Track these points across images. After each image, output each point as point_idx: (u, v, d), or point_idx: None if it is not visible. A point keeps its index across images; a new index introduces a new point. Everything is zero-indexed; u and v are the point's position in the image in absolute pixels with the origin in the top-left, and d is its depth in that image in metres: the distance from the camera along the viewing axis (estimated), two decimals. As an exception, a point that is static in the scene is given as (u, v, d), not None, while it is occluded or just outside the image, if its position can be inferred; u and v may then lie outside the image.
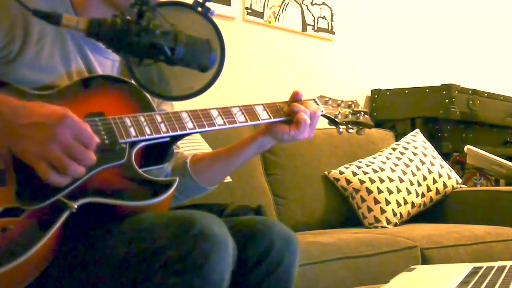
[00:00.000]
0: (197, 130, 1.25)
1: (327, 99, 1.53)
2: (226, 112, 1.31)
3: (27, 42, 1.20)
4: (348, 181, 2.73)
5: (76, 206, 1.06)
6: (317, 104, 1.47)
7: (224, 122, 1.30)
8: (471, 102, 3.46)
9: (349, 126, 1.56)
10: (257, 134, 1.43)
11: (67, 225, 1.08)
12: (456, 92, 3.36)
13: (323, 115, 1.48)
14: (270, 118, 1.38)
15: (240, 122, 1.32)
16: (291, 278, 1.26)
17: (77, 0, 1.29)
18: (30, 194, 1.06)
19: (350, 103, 1.58)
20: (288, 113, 1.39)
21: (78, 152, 1.03)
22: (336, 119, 1.52)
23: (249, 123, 1.34)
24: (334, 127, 1.55)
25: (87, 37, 1.04)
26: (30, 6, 1.02)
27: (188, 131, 1.24)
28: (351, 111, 1.57)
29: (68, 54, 1.26)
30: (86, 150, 1.03)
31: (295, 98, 1.42)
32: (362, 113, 1.59)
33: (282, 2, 3.17)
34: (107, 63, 1.33)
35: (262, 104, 1.38)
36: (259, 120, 1.36)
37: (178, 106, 1.50)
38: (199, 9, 1.11)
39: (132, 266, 1.07)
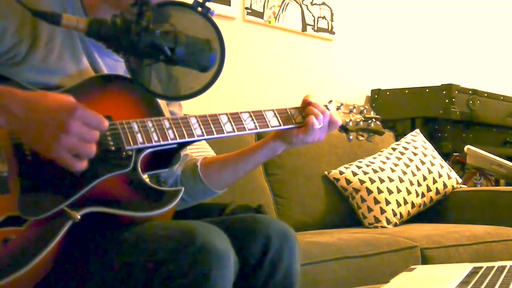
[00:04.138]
0: (206, 137, 1.24)
1: (339, 104, 1.51)
2: (235, 118, 1.29)
3: (35, 44, 1.17)
4: (348, 181, 2.73)
5: (79, 217, 1.05)
6: (328, 110, 1.43)
7: (233, 129, 1.28)
8: (471, 102, 3.46)
9: (360, 133, 1.54)
10: (268, 139, 1.42)
11: (68, 233, 1.06)
12: (456, 92, 3.36)
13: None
14: (280, 125, 1.36)
15: (249, 129, 1.30)
16: (293, 278, 1.24)
17: (87, 2, 1.26)
18: (33, 203, 1.05)
19: (362, 108, 1.56)
20: (300, 122, 1.37)
21: (89, 136, 1.04)
22: (346, 127, 1.50)
23: (259, 130, 1.32)
24: (343, 133, 1.53)
25: (87, 37, 1.04)
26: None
27: (196, 138, 1.22)
28: (363, 118, 1.55)
29: (77, 56, 1.24)
30: (95, 131, 1.05)
31: (306, 102, 1.40)
32: (373, 119, 1.57)
33: (282, 2, 3.17)
34: (115, 64, 1.31)
35: (273, 110, 1.36)
36: (268, 127, 1.34)
37: (186, 108, 1.49)
38: (199, 9, 1.11)
39: (132, 277, 1.06)
